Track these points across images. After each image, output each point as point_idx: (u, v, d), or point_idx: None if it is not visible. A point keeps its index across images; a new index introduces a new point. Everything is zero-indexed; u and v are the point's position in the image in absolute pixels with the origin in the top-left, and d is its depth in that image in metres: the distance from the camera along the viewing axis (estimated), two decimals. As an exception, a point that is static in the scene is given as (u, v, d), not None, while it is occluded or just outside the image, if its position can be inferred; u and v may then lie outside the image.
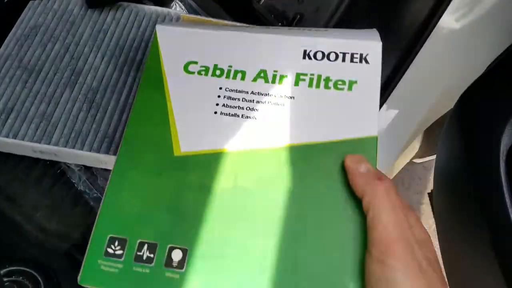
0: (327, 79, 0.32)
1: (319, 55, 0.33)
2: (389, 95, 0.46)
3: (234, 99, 0.33)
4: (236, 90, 0.33)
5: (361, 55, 0.32)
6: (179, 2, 0.51)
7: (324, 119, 0.31)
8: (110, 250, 0.28)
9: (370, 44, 0.33)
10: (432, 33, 0.47)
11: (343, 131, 0.30)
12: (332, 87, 0.32)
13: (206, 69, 0.34)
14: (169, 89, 0.33)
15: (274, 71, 0.33)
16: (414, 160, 0.84)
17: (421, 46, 0.45)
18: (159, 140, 0.31)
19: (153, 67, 0.35)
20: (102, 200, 0.30)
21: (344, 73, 0.32)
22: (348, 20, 0.47)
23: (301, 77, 0.33)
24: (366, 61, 0.32)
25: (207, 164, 0.30)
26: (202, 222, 0.29)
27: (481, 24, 0.52)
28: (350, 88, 0.32)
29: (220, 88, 0.33)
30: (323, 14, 0.48)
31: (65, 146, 0.38)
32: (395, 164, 0.63)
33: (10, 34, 0.44)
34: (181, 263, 0.28)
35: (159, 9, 0.48)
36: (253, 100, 0.32)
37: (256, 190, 0.29)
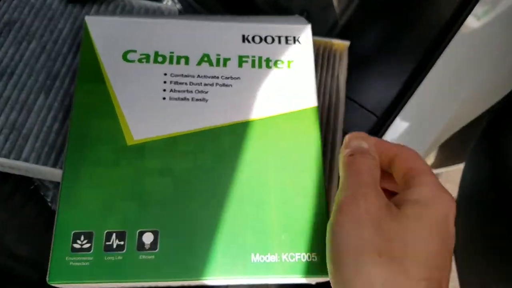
0: (268, 60, 0.35)
1: (257, 39, 0.36)
2: (406, 102, 0.41)
3: (181, 83, 0.33)
4: (182, 74, 0.33)
5: (294, 37, 0.36)
6: (171, -4, 0.46)
7: (270, 96, 0.33)
8: (76, 246, 0.27)
9: (301, 27, 0.36)
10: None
11: (287, 105, 0.33)
12: (273, 66, 0.35)
13: (147, 57, 0.34)
14: (110, 79, 0.33)
15: (217, 54, 0.34)
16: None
17: (441, 52, 0.40)
18: (108, 131, 0.31)
19: (88, 60, 0.34)
20: (58, 197, 0.29)
21: (282, 54, 0.35)
22: (359, 19, 0.42)
23: (244, 59, 0.35)
24: (299, 42, 0.36)
25: (164, 148, 0.31)
26: (169, 204, 0.29)
27: (505, 24, 0.47)
28: (289, 66, 0.35)
29: (165, 74, 0.33)
30: (332, 12, 0.43)
31: (37, 163, 0.34)
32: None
33: (-20, 31, 0.39)
34: (153, 245, 0.28)
35: (148, 3, 0.43)
36: (201, 83, 0.33)
37: (216, 167, 0.30)
